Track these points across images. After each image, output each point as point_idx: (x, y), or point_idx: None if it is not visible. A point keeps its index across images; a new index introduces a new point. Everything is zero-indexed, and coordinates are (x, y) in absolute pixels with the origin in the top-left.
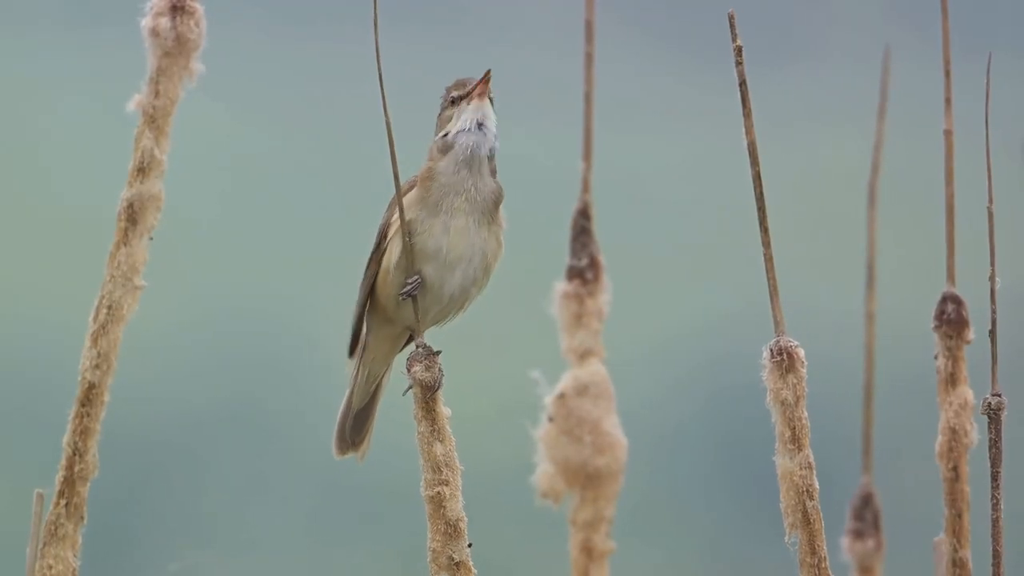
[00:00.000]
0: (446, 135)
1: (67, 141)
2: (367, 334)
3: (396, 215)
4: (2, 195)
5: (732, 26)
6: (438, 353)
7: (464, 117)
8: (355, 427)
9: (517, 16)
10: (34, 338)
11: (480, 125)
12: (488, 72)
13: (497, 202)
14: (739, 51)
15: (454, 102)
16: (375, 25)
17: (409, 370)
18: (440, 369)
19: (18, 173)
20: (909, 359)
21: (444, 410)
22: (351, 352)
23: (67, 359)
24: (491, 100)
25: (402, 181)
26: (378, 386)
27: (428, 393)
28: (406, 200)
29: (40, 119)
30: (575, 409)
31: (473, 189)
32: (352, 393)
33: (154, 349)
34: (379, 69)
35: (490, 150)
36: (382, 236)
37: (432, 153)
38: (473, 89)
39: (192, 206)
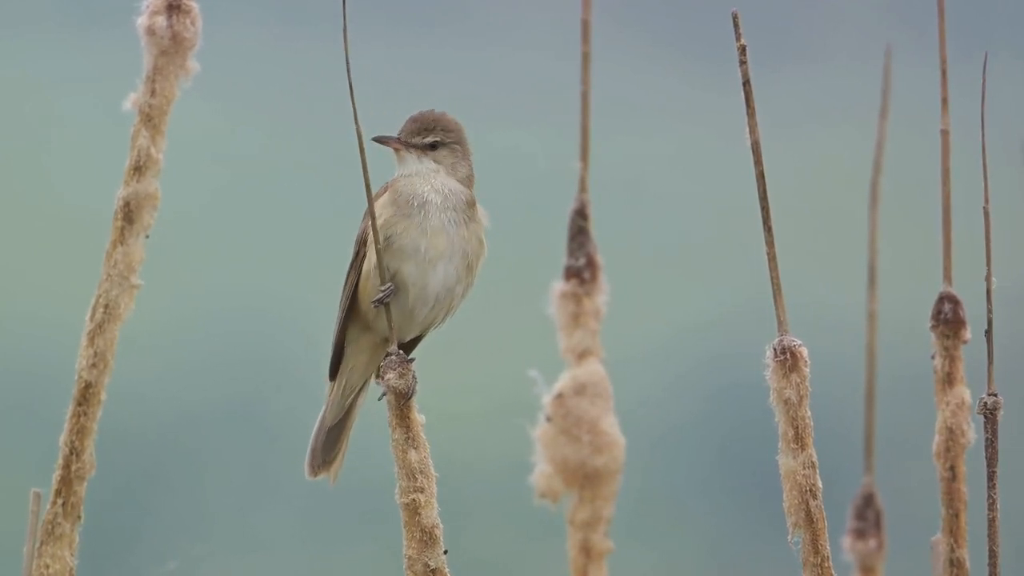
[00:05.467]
0: None
1: (66, 141)
2: (347, 345)
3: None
4: (1, 195)
5: (736, 25)
6: (412, 361)
7: (400, 161)
8: (327, 445)
9: (516, 17)
10: (31, 337)
11: (398, 173)
12: (382, 140)
13: (470, 202)
14: (743, 50)
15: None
16: (344, 35)
17: (383, 377)
18: (414, 376)
19: (17, 173)
20: (909, 358)
21: (418, 417)
22: (332, 374)
23: (64, 358)
24: (416, 145)
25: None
26: (353, 402)
27: (402, 400)
28: (379, 203)
29: (39, 119)
30: (573, 409)
31: (438, 182)
32: (327, 409)
33: (151, 348)
34: (349, 81)
35: (429, 172)
36: (361, 244)
37: None
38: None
39: (189, 205)
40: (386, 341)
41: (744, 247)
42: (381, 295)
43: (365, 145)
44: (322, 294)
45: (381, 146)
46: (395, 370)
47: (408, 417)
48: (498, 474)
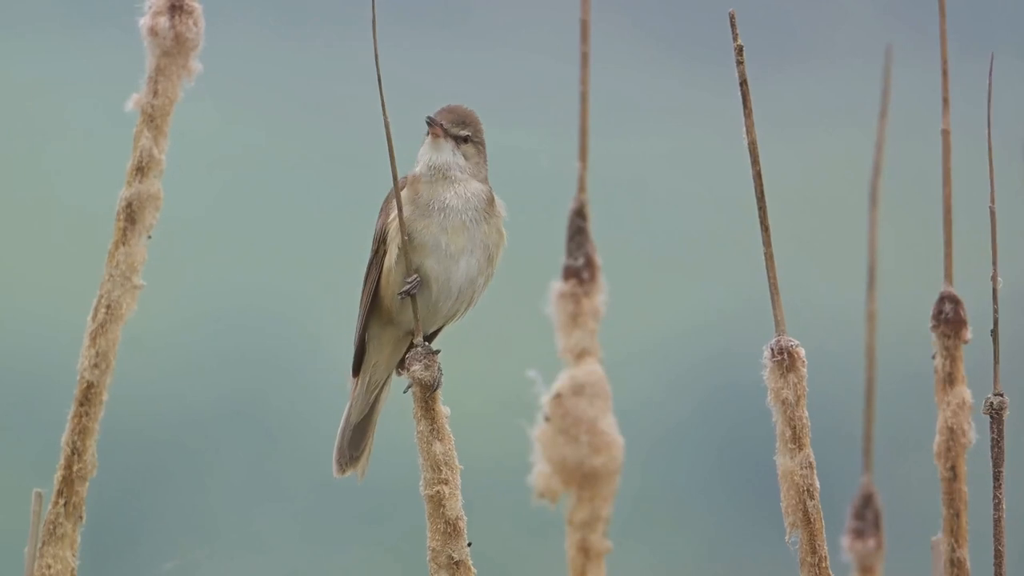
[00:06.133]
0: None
1: (69, 141)
2: (368, 341)
3: (392, 216)
4: (4, 195)
5: (733, 26)
6: (437, 352)
7: (421, 150)
8: (354, 441)
9: (518, 18)
10: (33, 337)
11: (429, 161)
12: (430, 119)
13: (489, 199)
14: (740, 51)
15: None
16: (374, 31)
17: (408, 369)
18: (439, 368)
19: (20, 173)
20: (910, 358)
21: (443, 409)
22: (355, 371)
23: (66, 358)
24: (453, 135)
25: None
26: (377, 397)
27: (427, 392)
28: (401, 197)
29: (42, 120)
30: (572, 409)
31: (460, 187)
32: (351, 405)
33: (154, 348)
34: (378, 72)
35: (460, 174)
36: (380, 239)
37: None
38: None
39: (192, 205)
40: (408, 335)
41: (744, 247)
42: (408, 286)
43: (393, 140)
44: (326, 293)
45: (383, 138)
46: (421, 362)
47: (433, 409)
48: (497, 474)
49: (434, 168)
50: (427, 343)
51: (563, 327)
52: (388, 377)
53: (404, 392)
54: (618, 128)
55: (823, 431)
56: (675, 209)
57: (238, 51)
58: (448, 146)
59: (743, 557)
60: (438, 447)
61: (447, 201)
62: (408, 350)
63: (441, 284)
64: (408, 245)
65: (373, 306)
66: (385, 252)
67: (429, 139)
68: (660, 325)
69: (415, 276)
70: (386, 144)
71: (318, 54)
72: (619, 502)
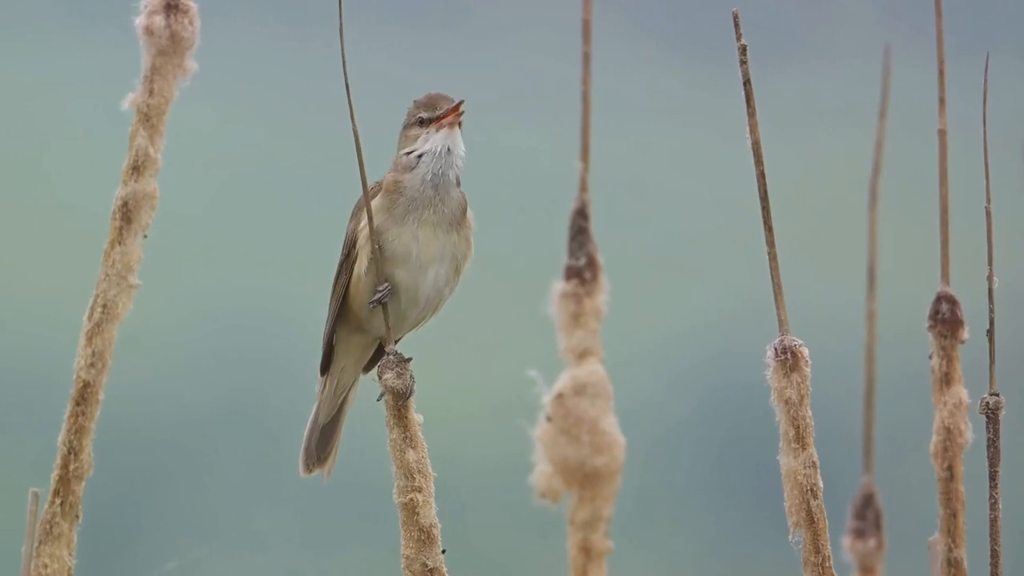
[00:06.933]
0: (411, 152)
1: (65, 141)
2: (336, 345)
3: (363, 223)
4: (4, 195)
5: (736, 25)
6: (409, 360)
7: (434, 140)
8: (321, 442)
9: (519, 18)
10: (30, 336)
11: (449, 151)
12: (460, 104)
13: (463, 210)
14: (743, 50)
15: (422, 123)
16: (341, 35)
17: (380, 378)
18: (411, 376)
19: (16, 172)
20: (908, 358)
21: (416, 417)
22: (323, 370)
23: (63, 358)
24: (460, 125)
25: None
26: (344, 400)
27: (400, 400)
28: (372, 203)
29: (39, 119)
30: (573, 408)
31: (440, 204)
32: (319, 407)
33: (150, 347)
34: (345, 78)
35: (456, 177)
36: (351, 245)
37: (396, 166)
38: (444, 117)
39: (188, 204)
40: (376, 340)
41: (744, 247)
42: (380, 295)
43: (362, 145)
44: (325, 293)
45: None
46: (393, 370)
47: (406, 417)
48: (498, 474)
49: (454, 159)
50: (400, 352)
51: (565, 327)
52: (355, 380)
53: (377, 400)
54: (618, 128)
55: (824, 431)
56: (675, 209)
57: (235, 50)
58: (456, 133)
59: (743, 557)
60: (411, 455)
61: (423, 211)
62: (378, 356)
63: (409, 294)
64: (379, 254)
65: (342, 312)
66: (356, 259)
67: (445, 129)
68: (660, 325)
69: (386, 285)
70: (385, 145)
71: (316, 54)
72: (619, 502)
